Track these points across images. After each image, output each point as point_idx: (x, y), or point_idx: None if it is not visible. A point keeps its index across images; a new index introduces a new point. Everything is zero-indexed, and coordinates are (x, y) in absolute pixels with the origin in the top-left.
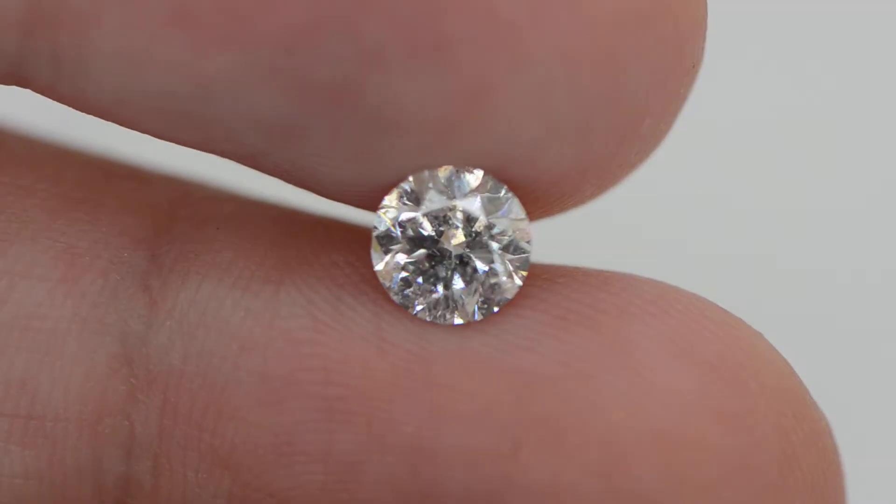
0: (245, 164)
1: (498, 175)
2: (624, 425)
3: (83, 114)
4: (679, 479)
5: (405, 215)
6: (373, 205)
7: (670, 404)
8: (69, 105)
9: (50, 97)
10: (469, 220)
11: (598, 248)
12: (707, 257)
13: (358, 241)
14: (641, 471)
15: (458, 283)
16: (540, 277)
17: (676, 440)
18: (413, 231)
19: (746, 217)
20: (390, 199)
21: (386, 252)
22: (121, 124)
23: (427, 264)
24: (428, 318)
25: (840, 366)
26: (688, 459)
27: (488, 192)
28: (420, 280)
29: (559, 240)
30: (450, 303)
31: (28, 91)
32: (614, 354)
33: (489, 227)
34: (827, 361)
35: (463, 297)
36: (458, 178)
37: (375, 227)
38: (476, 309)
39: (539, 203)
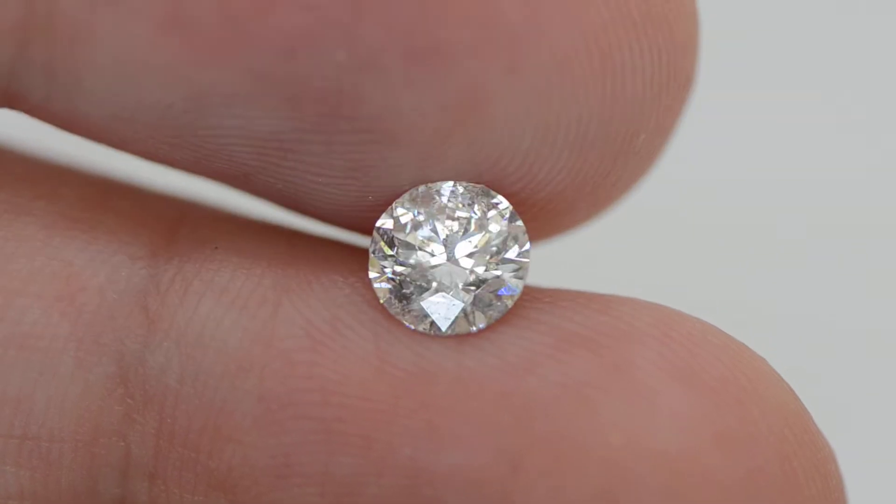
0: (237, 187)
1: (495, 190)
2: (624, 448)
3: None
4: (679, 503)
5: (403, 229)
6: (367, 227)
7: (671, 428)
8: (61, 126)
9: (42, 117)
10: (467, 232)
11: (601, 271)
12: (710, 280)
13: (357, 260)
14: (641, 495)
15: (457, 294)
16: (542, 300)
17: (676, 464)
18: (410, 245)
19: (749, 238)
20: (388, 214)
21: (384, 267)
22: (114, 145)
23: (425, 277)
24: (427, 332)
25: (844, 391)
26: (688, 484)
27: (486, 204)
28: (418, 293)
29: (561, 262)
30: (448, 316)
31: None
32: (615, 377)
33: (486, 239)
34: (831, 386)
35: (461, 309)
36: (456, 191)
37: (373, 242)
38: (475, 321)
39: (535, 220)
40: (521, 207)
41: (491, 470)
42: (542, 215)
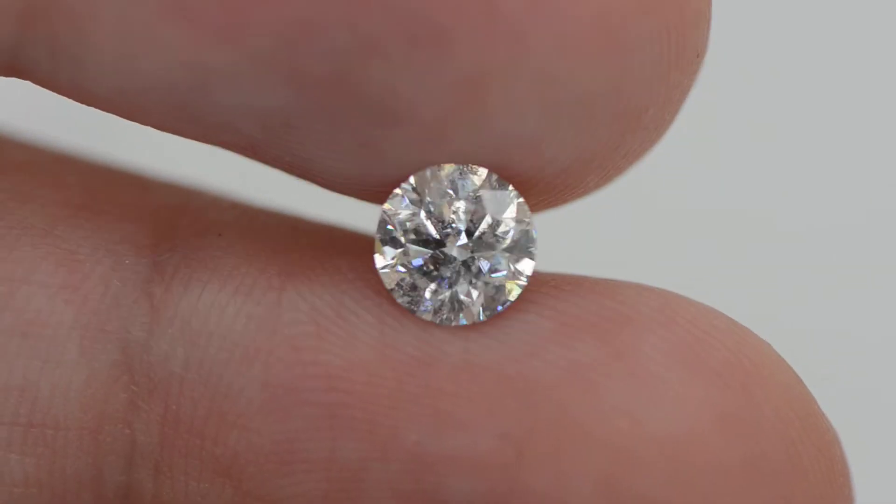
0: (245, 156)
1: (500, 167)
2: (628, 433)
3: (84, 117)
4: (683, 488)
5: (408, 216)
6: (376, 197)
7: (675, 413)
8: (68, 96)
9: (49, 88)
10: (473, 219)
11: (605, 255)
12: (715, 264)
13: (361, 246)
14: (645, 479)
15: (462, 283)
16: (546, 285)
17: (680, 448)
18: (416, 232)
19: (754, 220)
20: (393, 200)
21: (389, 254)
22: (120, 115)
23: (431, 265)
24: (432, 320)
25: (848, 375)
26: (692, 469)
27: (492, 190)
28: (424, 281)
29: (565, 246)
30: (454, 304)
31: (29, 96)
32: (619, 362)
33: (493, 226)
34: (835, 370)
35: (467, 297)
36: (462, 176)
37: (378, 229)
38: (481, 310)
39: (542, 194)
40: (529, 184)
41: (495, 454)
42: (550, 189)
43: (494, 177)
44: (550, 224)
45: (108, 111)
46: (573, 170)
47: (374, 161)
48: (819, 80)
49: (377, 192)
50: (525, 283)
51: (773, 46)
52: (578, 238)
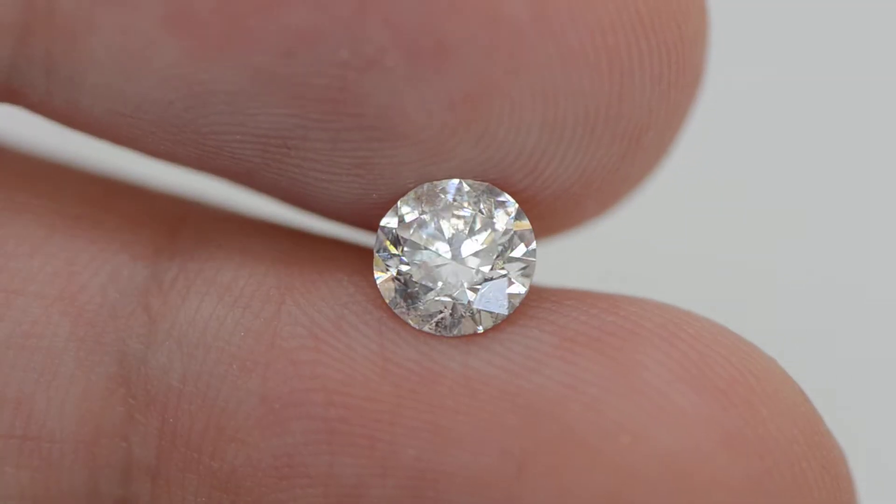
0: (241, 183)
1: (499, 186)
2: (630, 450)
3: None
4: None
5: (408, 228)
6: (371, 223)
7: (678, 429)
8: (62, 121)
9: (43, 112)
10: (472, 230)
11: (608, 270)
12: (721, 279)
13: (361, 259)
14: (648, 497)
15: (462, 295)
16: (548, 300)
17: (684, 465)
18: (415, 244)
19: (761, 235)
20: (392, 213)
21: (388, 266)
22: (115, 141)
23: (430, 277)
24: (433, 332)
25: (855, 393)
26: (695, 486)
27: (491, 202)
28: (424, 293)
29: (568, 260)
30: (454, 315)
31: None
32: (622, 377)
33: (493, 238)
34: (842, 388)
35: (467, 309)
36: (461, 189)
37: (377, 241)
38: (482, 320)
39: (542, 218)
40: (528, 205)
41: (496, 470)
42: (549, 213)
43: (494, 189)
44: (555, 241)
45: (103, 136)
46: (573, 191)
47: (372, 179)
48: (822, 95)
49: (372, 217)
50: (524, 294)
51: (774, 63)
52: (580, 249)
